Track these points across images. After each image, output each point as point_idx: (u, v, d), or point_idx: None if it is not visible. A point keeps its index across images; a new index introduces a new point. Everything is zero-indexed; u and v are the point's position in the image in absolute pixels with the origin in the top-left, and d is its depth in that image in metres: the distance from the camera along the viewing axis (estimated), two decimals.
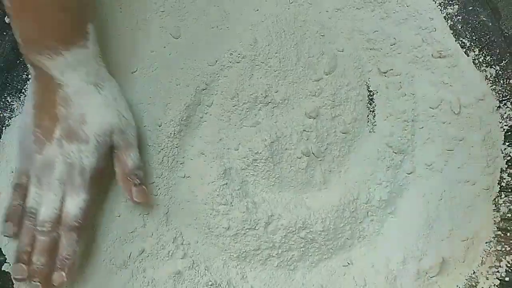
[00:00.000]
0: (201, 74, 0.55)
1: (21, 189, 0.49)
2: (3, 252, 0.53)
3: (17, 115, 0.55)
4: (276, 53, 0.54)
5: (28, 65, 0.49)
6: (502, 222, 0.54)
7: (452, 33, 0.56)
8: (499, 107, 0.55)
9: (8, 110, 0.56)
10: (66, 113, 0.48)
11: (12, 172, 0.54)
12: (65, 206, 0.48)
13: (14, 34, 0.47)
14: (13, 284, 0.53)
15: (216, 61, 0.55)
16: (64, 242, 0.48)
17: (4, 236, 0.49)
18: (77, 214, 0.48)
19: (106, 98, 0.49)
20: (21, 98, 0.56)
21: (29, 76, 0.56)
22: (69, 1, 0.46)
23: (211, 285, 0.53)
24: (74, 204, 0.48)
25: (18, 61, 0.56)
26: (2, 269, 0.53)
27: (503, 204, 0.54)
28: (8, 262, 0.53)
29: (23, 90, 0.56)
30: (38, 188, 0.48)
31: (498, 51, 0.56)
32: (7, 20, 0.55)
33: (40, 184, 0.48)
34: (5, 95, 0.56)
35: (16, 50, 0.56)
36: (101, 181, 0.51)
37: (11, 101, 0.56)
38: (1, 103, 0.56)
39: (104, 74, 0.50)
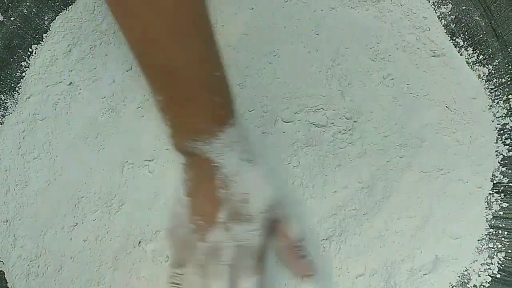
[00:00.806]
0: None
1: (180, 281, 0.47)
2: None
3: (11, 113, 0.55)
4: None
5: (178, 154, 0.48)
6: (494, 220, 0.55)
7: (445, 33, 0.57)
8: (491, 106, 0.56)
9: (2, 108, 0.55)
10: (227, 195, 0.46)
11: (6, 170, 0.54)
12: None
13: (165, 126, 0.46)
14: (6, 283, 0.53)
15: None
16: None
17: None
18: None
19: (261, 173, 0.48)
20: (14, 96, 0.56)
21: (23, 74, 0.56)
22: (218, 80, 0.45)
23: None
24: (250, 286, 0.47)
25: (11, 59, 0.56)
26: None
27: (495, 202, 0.55)
28: (2, 261, 0.53)
29: (16, 88, 0.56)
30: (204, 277, 0.46)
31: (490, 50, 0.56)
32: (0, 17, 0.55)
33: (205, 273, 0.46)
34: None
35: (9, 48, 0.56)
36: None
37: (4, 99, 0.55)
38: None
39: (252, 149, 0.49)
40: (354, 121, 0.55)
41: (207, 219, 0.46)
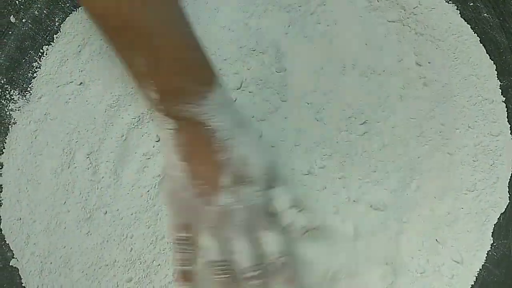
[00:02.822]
0: None
1: (187, 244, 0.47)
2: (11, 248, 0.54)
3: (23, 113, 0.56)
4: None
5: (166, 120, 0.47)
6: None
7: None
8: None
9: (14, 108, 0.56)
10: (226, 159, 0.46)
11: (19, 169, 0.55)
12: (261, 249, 0.47)
13: (146, 96, 0.46)
14: (20, 279, 0.54)
15: (225, 59, 0.56)
16: (281, 279, 0.47)
17: None
18: (280, 250, 0.47)
19: (254, 137, 0.48)
20: (26, 96, 0.56)
21: (35, 75, 0.57)
22: (194, 39, 0.45)
23: None
24: (270, 242, 0.47)
25: (23, 60, 0.57)
26: (10, 264, 0.54)
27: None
28: (16, 258, 0.54)
29: (28, 89, 0.57)
30: (219, 239, 0.46)
31: (499, 46, 0.56)
32: (12, 19, 0.56)
33: (219, 235, 0.46)
34: (11, 93, 0.56)
35: (21, 49, 0.56)
36: None
37: (17, 99, 0.56)
38: (7, 101, 0.56)
39: (240, 113, 0.49)
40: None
41: (209, 184, 0.46)
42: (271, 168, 0.49)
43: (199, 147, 0.46)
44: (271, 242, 0.47)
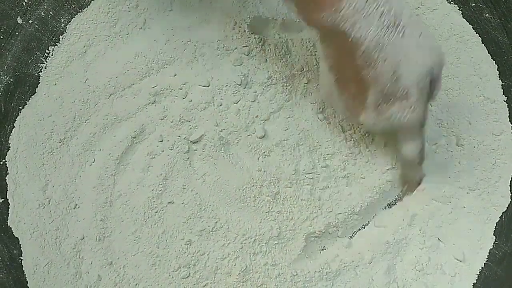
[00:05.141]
0: None
1: None
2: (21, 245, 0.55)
3: (30, 111, 0.57)
4: None
5: (312, 28, 0.42)
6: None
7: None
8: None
9: (22, 105, 0.57)
10: (374, 75, 0.41)
11: (26, 167, 0.55)
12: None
13: (289, 4, 0.42)
14: (25, 277, 0.54)
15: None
16: None
17: None
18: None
19: (412, 38, 0.40)
20: (32, 96, 0.57)
21: (41, 74, 0.57)
22: None
23: None
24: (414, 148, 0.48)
25: (29, 60, 0.57)
26: (18, 262, 0.55)
27: None
28: (21, 258, 0.55)
29: (36, 89, 0.57)
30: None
31: (501, 47, 0.57)
32: (19, 20, 0.57)
33: None
34: (17, 93, 0.57)
35: (27, 50, 0.57)
36: None
37: (25, 99, 0.57)
38: (14, 101, 0.57)
39: (397, 6, 0.40)
40: None
41: (356, 100, 0.43)
42: (430, 71, 0.42)
43: (344, 61, 0.42)
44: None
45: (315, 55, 0.57)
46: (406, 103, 0.42)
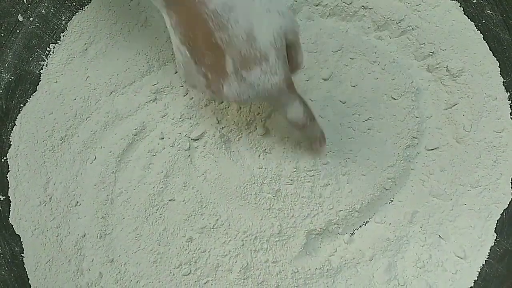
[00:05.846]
0: None
1: None
2: (22, 243, 0.55)
3: (31, 108, 0.57)
4: None
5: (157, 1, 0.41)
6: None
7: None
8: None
9: (23, 102, 0.57)
10: (228, 39, 0.39)
11: (28, 164, 0.55)
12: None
13: None
14: (27, 274, 0.54)
15: None
16: None
17: None
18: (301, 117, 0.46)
19: (262, 2, 0.40)
20: (33, 94, 0.57)
21: (41, 72, 0.58)
22: None
23: None
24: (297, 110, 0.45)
25: (30, 58, 0.57)
26: (19, 259, 0.55)
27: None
28: (23, 255, 0.55)
29: (37, 87, 0.57)
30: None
31: (502, 43, 0.56)
32: (20, 18, 0.57)
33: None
34: (19, 90, 0.57)
35: (28, 48, 0.57)
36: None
37: (26, 97, 0.57)
38: (16, 99, 0.57)
39: None
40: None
41: (215, 70, 0.41)
42: (284, 34, 0.41)
43: (194, 27, 0.40)
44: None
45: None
46: (265, 66, 0.41)
